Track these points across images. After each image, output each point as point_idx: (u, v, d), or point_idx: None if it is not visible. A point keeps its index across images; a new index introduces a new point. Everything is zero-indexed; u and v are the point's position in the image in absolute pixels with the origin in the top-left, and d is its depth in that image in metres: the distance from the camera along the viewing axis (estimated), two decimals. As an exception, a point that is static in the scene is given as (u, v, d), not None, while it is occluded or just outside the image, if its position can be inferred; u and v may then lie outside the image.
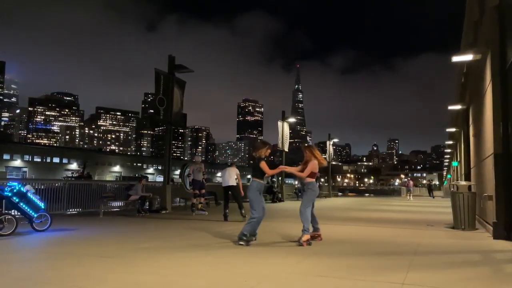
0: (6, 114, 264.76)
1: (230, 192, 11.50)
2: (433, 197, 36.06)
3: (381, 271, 5.16)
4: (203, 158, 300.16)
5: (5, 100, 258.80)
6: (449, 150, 44.84)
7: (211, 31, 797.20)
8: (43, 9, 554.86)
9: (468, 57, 10.22)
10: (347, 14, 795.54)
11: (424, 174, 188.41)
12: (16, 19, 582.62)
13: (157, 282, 4.52)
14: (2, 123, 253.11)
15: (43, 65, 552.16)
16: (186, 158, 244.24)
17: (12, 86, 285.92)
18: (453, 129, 25.57)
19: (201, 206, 13.37)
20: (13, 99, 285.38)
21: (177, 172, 19.84)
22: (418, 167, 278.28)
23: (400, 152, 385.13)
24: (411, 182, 34.90)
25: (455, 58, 10.30)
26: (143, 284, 4.41)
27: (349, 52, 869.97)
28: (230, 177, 11.35)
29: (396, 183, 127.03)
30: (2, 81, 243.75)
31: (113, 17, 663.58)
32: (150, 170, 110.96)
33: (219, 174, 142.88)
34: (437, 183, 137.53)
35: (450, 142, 33.89)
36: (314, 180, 7.25)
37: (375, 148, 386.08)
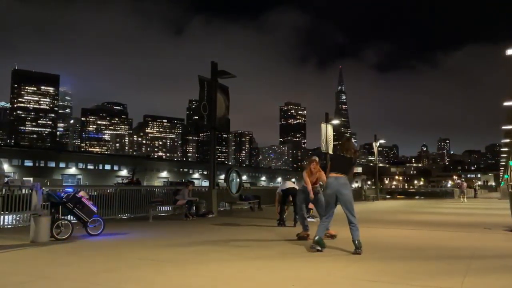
0: (61, 125, 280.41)
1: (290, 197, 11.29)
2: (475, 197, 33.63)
3: (435, 275, 4.93)
4: (246, 163, 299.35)
5: (60, 111, 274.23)
6: (505, 149, 42.42)
7: (239, 31, 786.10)
8: (74, 19, 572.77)
9: (524, 49, 9.64)
10: (379, 7, 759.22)
11: (479, 175, 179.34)
12: (51, 32, 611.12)
13: (205, 284, 4.56)
14: (58, 133, 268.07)
15: (88, 75, 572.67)
16: (230, 163, 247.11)
17: (66, 97, 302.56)
18: (509, 127, 24.17)
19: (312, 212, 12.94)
20: (67, 110, 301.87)
21: (222, 176, 20.10)
22: (472, 168, 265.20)
23: (451, 152, 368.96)
24: (464, 184, 33.32)
25: (510, 51, 9.74)
26: (191, 287, 4.47)
27: (387, 48, 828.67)
28: (290, 181, 11.51)
29: (449, 185, 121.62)
30: (58, 94, 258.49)
31: (141, 22, 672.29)
32: (196, 175, 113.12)
33: (263, 178, 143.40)
34: (493, 184, 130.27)
35: (507, 140, 32.04)
36: (316, 185, 8.11)
37: (424, 149, 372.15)
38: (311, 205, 12.71)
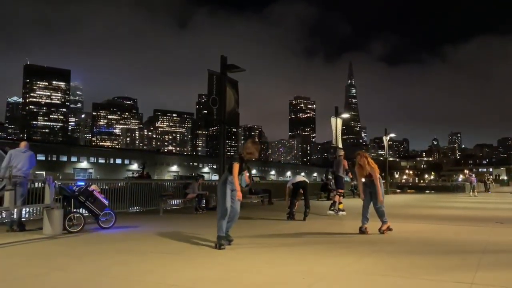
0: (73, 119, 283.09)
1: (300, 190, 11.16)
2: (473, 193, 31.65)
3: (446, 270, 4.90)
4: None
5: (71, 106, 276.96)
6: (518, 143, 41.76)
7: (244, 24, 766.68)
8: (82, 14, 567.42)
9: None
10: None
11: (491, 169, 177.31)
12: (60, 27, 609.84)
13: (216, 277, 4.59)
14: (70, 127, 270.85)
15: (99, 70, 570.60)
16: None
17: (77, 92, 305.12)
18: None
19: (342, 206, 12.34)
20: (79, 105, 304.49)
21: (232, 170, 20.18)
22: (484, 162, 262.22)
23: (463, 146, 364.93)
24: (473, 177, 32.99)
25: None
26: (203, 280, 4.50)
27: (396, 41, 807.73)
28: (300, 175, 11.34)
29: (460, 179, 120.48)
30: (69, 88, 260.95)
31: (145, 17, 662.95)
32: (206, 169, 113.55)
33: (272, 172, 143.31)
34: (505, 178, 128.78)
35: (519, 134, 31.49)
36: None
37: (435, 143, 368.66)
38: (337, 198, 12.53)
